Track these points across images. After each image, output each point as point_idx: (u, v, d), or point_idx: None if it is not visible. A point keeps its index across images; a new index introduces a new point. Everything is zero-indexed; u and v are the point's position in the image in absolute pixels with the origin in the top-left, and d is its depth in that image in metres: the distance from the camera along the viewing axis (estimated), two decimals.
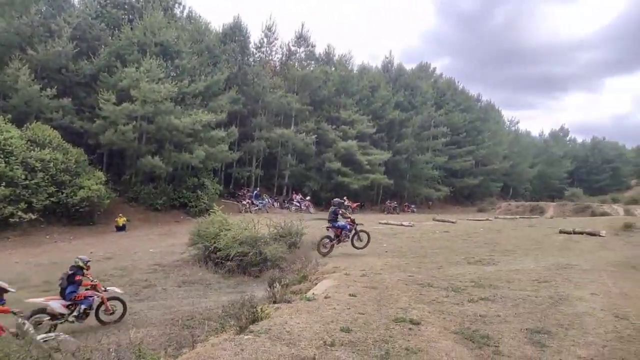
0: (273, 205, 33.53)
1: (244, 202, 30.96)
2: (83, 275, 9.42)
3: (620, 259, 13.15)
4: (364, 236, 13.88)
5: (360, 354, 4.91)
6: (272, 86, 36.90)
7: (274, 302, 7.34)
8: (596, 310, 7.34)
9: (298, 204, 34.23)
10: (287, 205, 34.41)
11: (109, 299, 9.63)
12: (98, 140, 25.31)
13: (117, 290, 10.13)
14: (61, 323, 8.85)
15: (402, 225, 23.56)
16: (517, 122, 73.65)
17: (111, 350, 4.47)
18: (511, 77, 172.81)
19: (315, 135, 37.32)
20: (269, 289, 7.50)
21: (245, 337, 5.41)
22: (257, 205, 31.05)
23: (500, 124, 61.47)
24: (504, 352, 5.29)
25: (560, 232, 19.46)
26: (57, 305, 8.90)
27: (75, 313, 9.00)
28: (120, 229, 22.60)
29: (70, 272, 9.21)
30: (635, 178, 74.42)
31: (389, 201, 41.55)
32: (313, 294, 7.98)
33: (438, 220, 27.88)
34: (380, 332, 5.73)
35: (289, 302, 7.33)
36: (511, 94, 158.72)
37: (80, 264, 9.33)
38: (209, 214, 16.74)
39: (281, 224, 15.79)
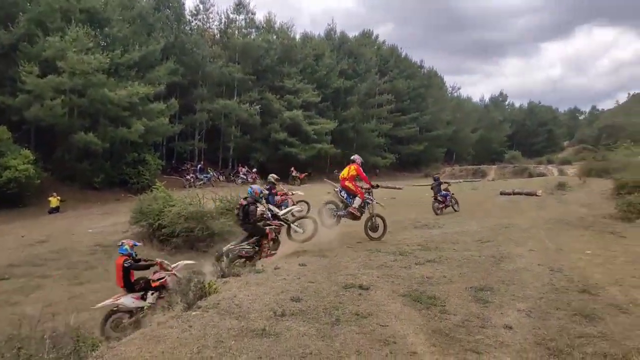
0: (218, 178, 32.85)
1: (188, 177, 30.15)
2: (275, 187, 13.95)
3: (555, 216, 13.92)
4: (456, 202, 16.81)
5: (311, 322, 4.87)
6: (212, 56, 35.65)
7: (222, 277, 7.18)
8: (534, 265, 7.71)
9: (244, 177, 33.69)
10: (233, 178, 33.82)
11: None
12: (23, 116, 23.47)
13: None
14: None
15: None
16: (459, 88, 76.25)
17: (45, 337, 4.15)
18: (452, 43, 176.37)
19: (260, 106, 36.61)
20: (216, 263, 7.32)
21: (193, 313, 5.24)
22: (202, 180, 30.33)
23: (443, 90, 62.79)
24: (450, 310, 5.43)
25: (501, 193, 20.40)
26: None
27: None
28: (54, 210, 21.31)
29: (267, 187, 13.14)
30: (568, 140, 79.01)
31: (336, 170, 41.69)
32: (262, 265, 7.88)
33: (384, 187, 28.29)
34: (331, 299, 5.72)
35: (237, 275, 7.19)
36: (452, 60, 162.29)
37: (272, 180, 14.04)
38: (152, 190, 16.17)
39: (227, 197, 15.50)
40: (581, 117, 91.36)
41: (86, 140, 24.08)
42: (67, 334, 4.67)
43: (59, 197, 21.80)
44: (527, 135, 72.14)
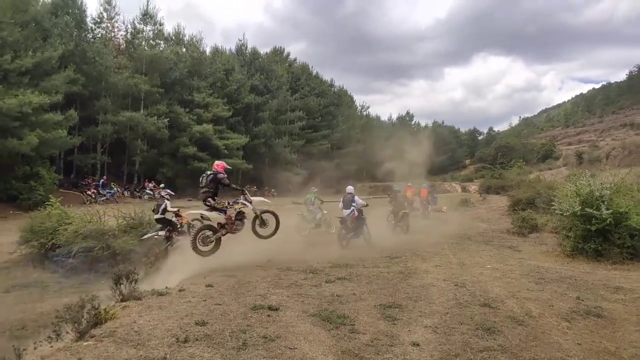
0: (123, 194, 31.06)
1: (89, 193, 28.15)
2: None
3: (458, 231, 14.75)
4: None
5: (216, 348, 4.66)
6: (117, 66, 33.79)
7: (122, 301, 6.68)
8: (439, 281, 8.03)
9: (151, 192, 32.15)
10: (139, 194, 32.14)
11: None
12: None
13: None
14: None
15: None
16: (368, 107, 79.51)
17: None
18: (363, 63, 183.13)
19: (168, 119, 35.28)
20: (114, 287, 6.79)
21: (85, 343, 4.79)
22: (105, 195, 28.49)
23: (353, 108, 64.72)
24: (360, 329, 5.46)
25: None
26: None
27: None
28: None
29: None
30: (469, 158, 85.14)
31: (248, 186, 41.24)
32: (166, 287, 7.47)
33: (298, 203, 28.45)
34: (238, 322, 5.53)
35: (139, 299, 6.73)
36: (362, 80, 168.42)
37: None
38: (45, 207, 14.83)
39: (131, 214, 14.62)
40: (480, 137, 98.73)
41: None
42: None
43: None
44: (432, 154, 76.51)
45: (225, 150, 37.99)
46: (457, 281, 8.03)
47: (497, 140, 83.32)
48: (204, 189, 9.71)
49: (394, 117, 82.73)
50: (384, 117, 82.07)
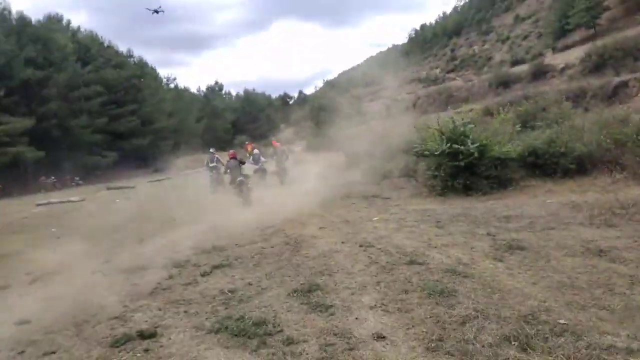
0: None
1: None
2: None
3: (304, 189, 13.56)
4: None
5: None
6: None
7: None
8: (338, 244, 6.73)
9: None
10: None
11: None
12: None
13: None
14: None
15: (70, 201, 19.66)
16: (175, 79, 75.47)
17: None
18: (162, 35, 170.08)
19: None
20: None
21: None
22: None
23: (158, 81, 59.78)
24: (294, 336, 3.62)
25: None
26: None
27: None
28: None
29: None
30: (284, 122, 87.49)
31: (44, 177, 34.44)
32: None
33: (113, 188, 25.08)
34: None
35: None
36: (162, 53, 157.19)
37: None
38: None
39: None
40: (291, 102, 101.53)
41: None
42: None
43: None
44: (248, 121, 77.40)
45: (6, 138, 30.87)
46: (358, 241, 6.66)
47: (309, 103, 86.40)
48: None
49: (203, 88, 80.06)
50: (193, 89, 78.87)
